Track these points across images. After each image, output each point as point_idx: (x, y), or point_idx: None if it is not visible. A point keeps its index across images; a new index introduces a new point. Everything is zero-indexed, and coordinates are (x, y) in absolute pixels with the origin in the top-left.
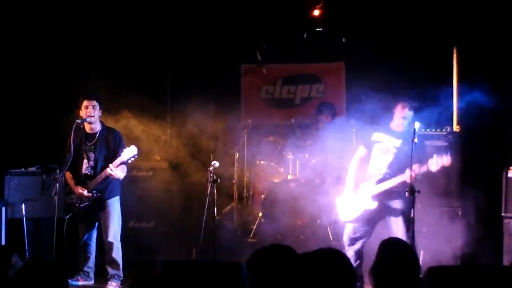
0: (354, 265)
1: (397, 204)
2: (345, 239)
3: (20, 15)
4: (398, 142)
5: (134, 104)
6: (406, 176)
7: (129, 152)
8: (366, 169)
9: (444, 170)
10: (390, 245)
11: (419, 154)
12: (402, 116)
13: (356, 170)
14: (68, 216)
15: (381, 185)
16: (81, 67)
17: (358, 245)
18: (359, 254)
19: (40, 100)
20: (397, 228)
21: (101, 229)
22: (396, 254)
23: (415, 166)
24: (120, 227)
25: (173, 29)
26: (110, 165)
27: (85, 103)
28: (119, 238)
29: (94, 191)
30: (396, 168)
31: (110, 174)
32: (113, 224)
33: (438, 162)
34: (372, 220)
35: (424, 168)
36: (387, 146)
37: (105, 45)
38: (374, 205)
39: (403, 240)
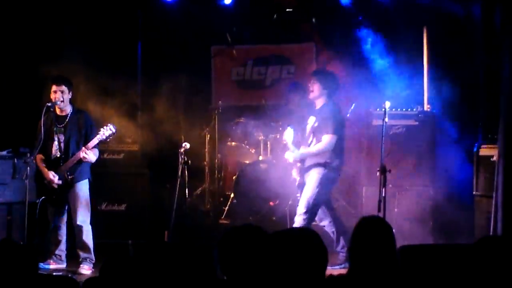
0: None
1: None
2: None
3: None
4: (312, 120)
5: (103, 86)
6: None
7: (108, 131)
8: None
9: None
10: (367, 223)
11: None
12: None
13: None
14: (40, 199)
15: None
16: (50, 49)
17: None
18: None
19: (9, 83)
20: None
21: (70, 212)
22: (373, 231)
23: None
24: (90, 210)
25: (144, 9)
26: (84, 148)
27: (53, 88)
28: (88, 221)
29: (67, 173)
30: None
31: (84, 157)
32: (81, 207)
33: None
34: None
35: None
36: (309, 126)
37: (73, 25)
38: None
39: (381, 218)
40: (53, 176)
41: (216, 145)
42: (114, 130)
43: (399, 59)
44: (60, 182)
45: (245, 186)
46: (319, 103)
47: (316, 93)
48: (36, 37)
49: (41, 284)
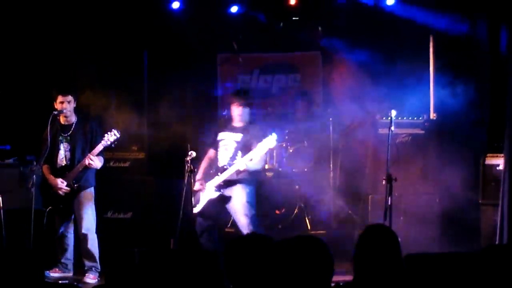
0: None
1: (232, 191)
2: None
3: None
4: (239, 137)
5: (110, 94)
6: (238, 165)
7: (112, 136)
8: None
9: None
10: (373, 231)
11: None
12: (237, 114)
13: (205, 168)
14: (48, 209)
15: (222, 175)
16: (57, 58)
17: (207, 236)
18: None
19: (16, 91)
20: (237, 216)
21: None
22: (378, 240)
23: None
24: (95, 218)
25: (150, 17)
26: (89, 154)
27: (59, 98)
28: (94, 230)
29: (73, 181)
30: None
31: (89, 163)
32: (86, 215)
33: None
34: (215, 211)
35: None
36: (229, 143)
37: (81, 35)
38: (215, 194)
39: (387, 226)
40: (61, 183)
41: None
42: (118, 135)
43: (405, 67)
44: (67, 189)
45: None
46: (240, 122)
47: (247, 117)
48: (43, 45)
49: None
